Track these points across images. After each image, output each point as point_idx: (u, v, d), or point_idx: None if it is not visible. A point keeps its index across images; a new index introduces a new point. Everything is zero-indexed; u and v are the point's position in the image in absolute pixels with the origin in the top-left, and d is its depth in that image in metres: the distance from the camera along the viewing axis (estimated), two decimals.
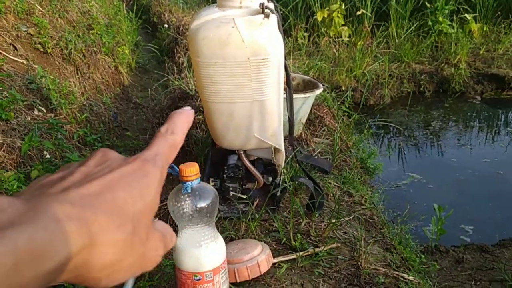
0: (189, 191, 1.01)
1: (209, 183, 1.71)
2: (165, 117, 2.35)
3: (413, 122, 4.14)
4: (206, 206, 1.03)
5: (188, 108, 0.44)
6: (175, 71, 4.14)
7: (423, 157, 3.48)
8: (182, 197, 1.02)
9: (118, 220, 0.32)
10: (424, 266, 1.74)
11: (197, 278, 1.10)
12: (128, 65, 4.99)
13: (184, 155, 2.09)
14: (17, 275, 0.26)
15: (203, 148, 2.06)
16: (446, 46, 4.90)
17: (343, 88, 4.29)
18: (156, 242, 0.37)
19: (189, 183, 1.01)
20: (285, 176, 1.73)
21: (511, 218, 2.70)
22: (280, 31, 1.48)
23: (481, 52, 4.92)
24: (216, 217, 1.66)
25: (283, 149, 1.61)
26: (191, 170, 1.01)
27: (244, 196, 1.59)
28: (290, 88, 1.58)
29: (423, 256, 1.75)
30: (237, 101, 1.48)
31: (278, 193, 1.70)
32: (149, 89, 4.37)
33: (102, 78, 4.12)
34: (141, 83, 5.03)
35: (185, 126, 0.42)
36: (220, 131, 1.57)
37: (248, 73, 1.43)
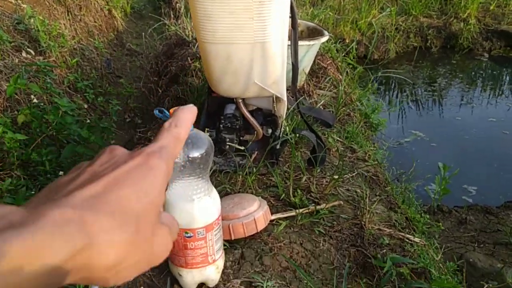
0: None
1: (204, 131, 1.59)
2: (160, 64, 2.20)
3: (418, 78, 3.99)
4: (199, 156, 0.92)
5: (191, 105, 0.44)
6: (172, 16, 3.92)
7: (427, 115, 3.36)
8: None
9: (121, 219, 0.32)
10: (427, 227, 1.65)
11: (188, 235, 1.00)
12: (122, 10, 4.75)
13: (177, 104, 1.95)
14: (13, 275, 0.26)
15: (199, 96, 1.93)
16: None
17: (347, 41, 4.11)
18: (163, 237, 0.36)
19: None
20: (286, 128, 1.61)
21: None
22: None
23: (491, 7, 4.70)
24: (211, 169, 1.55)
25: (285, 99, 1.48)
26: None
27: (242, 148, 1.47)
28: (296, 30, 1.43)
29: (427, 216, 1.66)
30: (237, 42, 1.33)
31: (278, 146, 1.59)
32: (143, 35, 4.16)
33: (95, 22, 3.90)
34: (136, 30, 4.80)
35: (189, 121, 0.42)
36: (217, 76, 1.43)
37: (250, 9, 1.28)
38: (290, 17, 1.39)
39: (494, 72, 4.22)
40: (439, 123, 3.27)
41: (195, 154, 0.90)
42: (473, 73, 4.24)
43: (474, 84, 3.94)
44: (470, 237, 2.01)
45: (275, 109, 1.53)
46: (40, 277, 0.27)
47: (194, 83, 2.28)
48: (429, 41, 4.45)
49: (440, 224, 1.69)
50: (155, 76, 2.83)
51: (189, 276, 1.06)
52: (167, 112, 0.98)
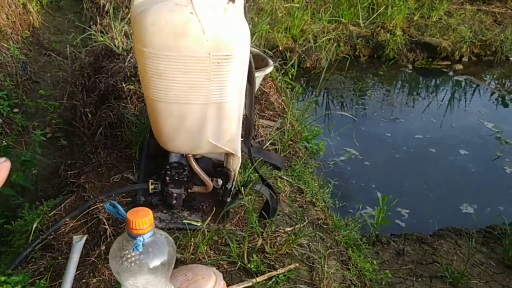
0: (141, 249, 0.78)
1: (148, 186, 1.46)
2: (86, 78, 1.98)
3: (349, 90, 4.06)
4: (161, 264, 0.81)
5: (3, 159, 0.43)
6: (96, 16, 3.63)
7: (360, 131, 3.41)
8: (130, 256, 0.79)
9: None
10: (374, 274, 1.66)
11: None
12: (38, 2, 4.33)
13: (114, 142, 1.79)
14: None
15: (138, 134, 1.77)
16: (383, 9, 4.80)
17: (281, 48, 4.09)
18: None
19: (140, 238, 0.78)
20: (236, 180, 1.52)
21: (445, 200, 2.74)
22: (246, 18, 1.22)
23: (415, 18, 4.88)
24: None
25: (239, 155, 1.39)
26: (143, 222, 0.78)
27: (195, 223, 1.36)
28: (252, 85, 1.33)
29: (374, 263, 1.67)
30: (191, 102, 1.22)
31: (228, 199, 1.50)
32: (63, 30, 3.82)
33: (8, 19, 3.50)
34: (54, 24, 4.40)
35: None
36: (168, 135, 1.30)
37: (207, 70, 1.16)
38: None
39: (419, 85, 4.41)
40: (371, 141, 3.34)
41: (157, 263, 0.79)
42: (399, 84, 4.40)
43: (400, 96, 4.08)
44: (408, 269, 2.06)
45: (228, 163, 1.44)
46: None
47: (128, 108, 2.10)
48: (358, 50, 4.54)
49: (387, 271, 1.70)
50: (80, 92, 2.59)
51: None
52: (120, 208, 0.85)
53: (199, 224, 1.33)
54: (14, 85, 3.00)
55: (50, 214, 1.46)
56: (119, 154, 1.70)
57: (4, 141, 2.26)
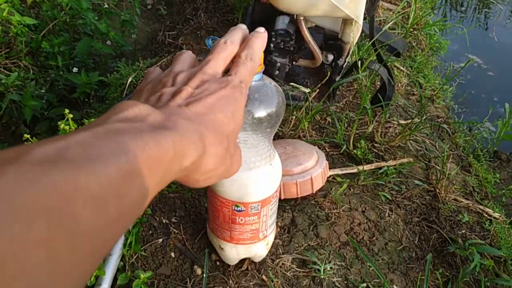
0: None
1: None
2: None
3: None
4: (267, 116, 0.66)
5: (263, 30, 0.49)
6: None
7: (487, 38, 2.95)
8: None
9: (220, 137, 0.39)
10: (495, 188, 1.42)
11: (239, 209, 0.77)
12: None
13: (216, 5, 1.61)
14: (174, 164, 0.32)
15: None
16: None
17: None
18: (238, 156, 0.45)
19: None
20: (350, 57, 1.30)
21: None
22: None
23: None
24: None
25: (361, 22, 1.16)
26: None
27: (303, 89, 1.18)
28: None
29: (497, 176, 1.42)
30: None
31: (338, 78, 1.30)
32: None
33: None
34: None
35: (261, 52, 0.48)
36: None
37: None
38: None
39: None
40: (499, 51, 2.88)
41: (263, 113, 0.65)
42: None
43: None
44: None
45: (344, 33, 1.22)
46: (178, 171, 0.34)
47: None
48: None
49: (509, 191, 1.45)
50: None
51: (233, 251, 0.85)
52: None
53: (307, 90, 1.15)
54: None
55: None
56: (221, 18, 1.54)
57: (105, 4, 2.20)
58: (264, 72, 1.44)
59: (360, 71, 1.17)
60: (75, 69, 1.84)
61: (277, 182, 0.78)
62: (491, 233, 1.07)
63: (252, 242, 0.83)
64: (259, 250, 0.86)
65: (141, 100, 0.40)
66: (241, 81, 0.43)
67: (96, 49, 1.87)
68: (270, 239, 0.88)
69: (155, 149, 0.30)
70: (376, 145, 1.21)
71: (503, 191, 1.41)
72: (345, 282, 0.89)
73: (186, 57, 0.46)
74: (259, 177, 0.75)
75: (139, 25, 2.18)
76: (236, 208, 0.77)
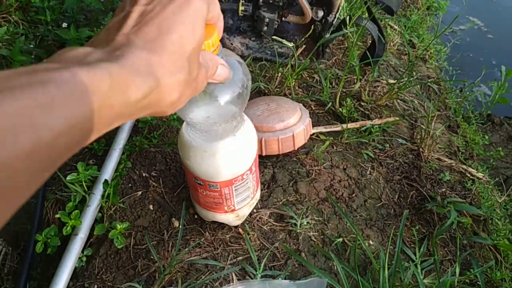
0: None
1: (238, 6, 1.27)
2: None
3: None
4: (235, 95, 0.56)
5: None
6: None
7: (488, 1, 2.88)
8: None
9: (179, 61, 0.35)
10: (484, 150, 1.42)
11: (198, 182, 0.73)
12: None
13: None
14: (111, 99, 0.30)
15: None
16: None
17: None
18: (202, 76, 0.40)
19: None
20: (340, 13, 1.27)
21: None
22: None
23: None
24: (244, 56, 1.27)
25: None
26: (211, 43, 0.46)
27: (286, 43, 1.15)
28: None
29: (486, 137, 1.42)
30: None
31: (327, 35, 1.27)
32: None
33: None
34: None
35: None
36: None
37: None
38: None
39: None
40: (501, 13, 2.82)
41: (226, 97, 0.55)
42: None
43: None
44: None
45: None
46: (126, 106, 0.31)
47: None
48: None
49: (500, 149, 1.45)
50: None
51: (203, 213, 0.84)
52: None
53: (290, 44, 1.13)
54: None
55: None
56: None
57: None
58: (252, 28, 1.40)
59: (348, 27, 1.15)
60: (64, 24, 1.81)
61: (244, 164, 0.71)
62: (472, 193, 1.07)
63: (218, 212, 0.80)
64: (228, 219, 0.83)
65: (94, 38, 0.36)
66: None
67: (86, 5, 1.84)
68: (242, 212, 0.83)
69: (84, 80, 0.28)
70: (362, 104, 1.20)
71: (491, 153, 1.41)
72: (322, 236, 0.90)
73: None
74: (221, 159, 0.67)
75: None
76: (196, 180, 0.73)
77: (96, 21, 1.95)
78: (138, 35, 0.34)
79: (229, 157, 0.67)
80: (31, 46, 1.77)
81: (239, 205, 0.79)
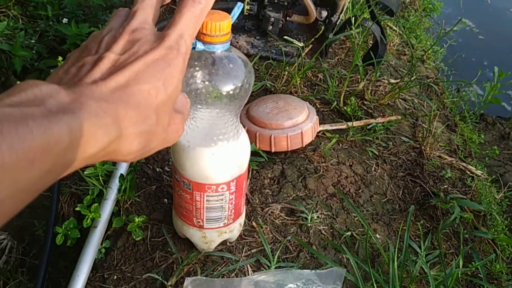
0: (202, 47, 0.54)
1: (244, 5, 1.29)
2: None
3: None
4: (235, 90, 0.58)
5: None
6: None
7: (483, 1, 2.95)
8: (197, 70, 0.57)
9: (144, 113, 0.34)
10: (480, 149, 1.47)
11: (176, 177, 0.71)
12: None
13: None
14: (70, 154, 0.29)
15: None
16: None
17: None
18: (177, 125, 0.39)
19: (212, 46, 0.55)
20: (343, 14, 1.31)
21: None
22: None
23: None
24: (250, 55, 1.29)
25: None
26: (220, 26, 0.53)
27: (297, 43, 1.18)
28: None
29: (482, 136, 1.47)
30: None
31: (331, 35, 1.30)
32: None
33: None
34: None
35: None
36: None
37: None
38: None
39: None
40: (492, 14, 2.89)
41: (229, 87, 0.58)
42: None
43: None
44: (510, 155, 1.85)
45: None
46: (84, 159, 0.30)
47: None
48: None
49: (495, 148, 1.50)
50: None
51: (176, 221, 0.81)
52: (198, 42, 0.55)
53: (300, 45, 1.16)
54: None
55: None
56: None
57: None
58: (257, 27, 1.44)
59: (353, 28, 1.18)
60: (65, 20, 1.81)
61: (216, 175, 0.68)
62: (472, 189, 1.12)
63: (187, 222, 0.76)
64: (195, 237, 0.79)
65: (60, 72, 0.34)
66: (180, 35, 0.36)
67: (86, 0, 1.85)
68: (210, 235, 0.78)
69: (41, 138, 0.26)
70: (366, 102, 1.24)
71: (487, 151, 1.46)
72: (331, 230, 0.93)
73: (124, 13, 0.39)
74: (195, 155, 0.66)
75: None
76: (175, 174, 0.71)
77: (95, 16, 1.96)
78: (107, 84, 0.32)
79: (209, 158, 0.66)
80: (32, 41, 1.77)
81: (208, 224, 0.75)
